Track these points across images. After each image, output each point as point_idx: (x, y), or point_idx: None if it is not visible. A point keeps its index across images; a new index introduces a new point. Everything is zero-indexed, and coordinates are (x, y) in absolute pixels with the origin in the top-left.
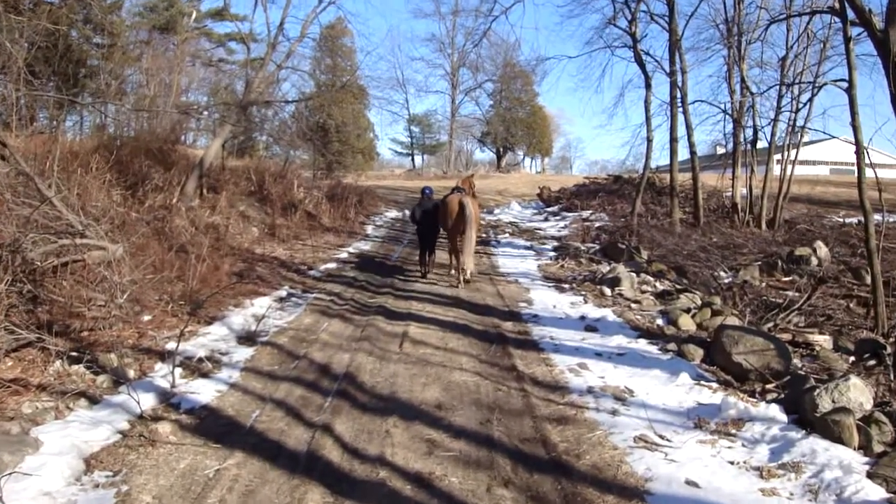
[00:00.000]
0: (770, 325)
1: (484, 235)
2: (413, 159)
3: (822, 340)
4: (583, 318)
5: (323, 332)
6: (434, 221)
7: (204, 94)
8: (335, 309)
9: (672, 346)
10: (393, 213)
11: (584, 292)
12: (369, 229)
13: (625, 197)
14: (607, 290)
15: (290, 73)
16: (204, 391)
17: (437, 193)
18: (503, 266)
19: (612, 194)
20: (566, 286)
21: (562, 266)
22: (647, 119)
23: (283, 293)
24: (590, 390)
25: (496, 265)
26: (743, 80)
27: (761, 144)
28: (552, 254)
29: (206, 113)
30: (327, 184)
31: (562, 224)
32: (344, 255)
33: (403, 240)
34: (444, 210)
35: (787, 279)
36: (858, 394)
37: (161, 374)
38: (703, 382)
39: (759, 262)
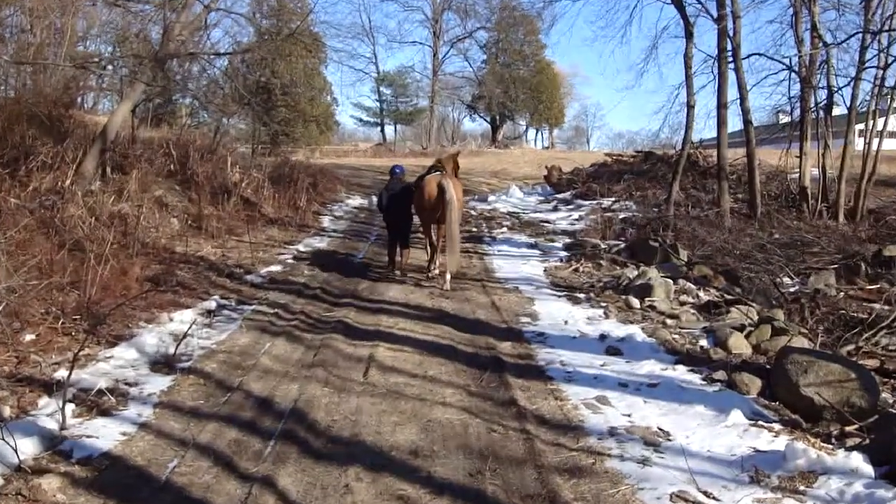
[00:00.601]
0: (850, 347)
1: (474, 230)
2: (383, 130)
3: None
4: (603, 337)
5: (264, 355)
6: (406, 208)
7: (108, 42)
8: (280, 325)
9: (720, 374)
10: (357, 201)
11: (604, 304)
12: (326, 221)
13: (658, 180)
14: (635, 302)
15: (221, 18)
16: (105, 434)
17: (413, 175)
18: (500, 269)
19: (642, 176)
20: (581, 296)
21: (576, 270)
22: (688, 78)
23: (211, 305)
24: (612, 432)
25: (490, 268)
26: (814, 28)
27: (838, 111)
28: (563, 254)
29: (110, 68)
30: (271, 162)
31: (576, 215)
32: (292, 255)
33: (370, 235)
34: (418, 194)
35: (873, 287)
36: None
37: (47, 411)
38: (760, 423)
39: (836, 266)
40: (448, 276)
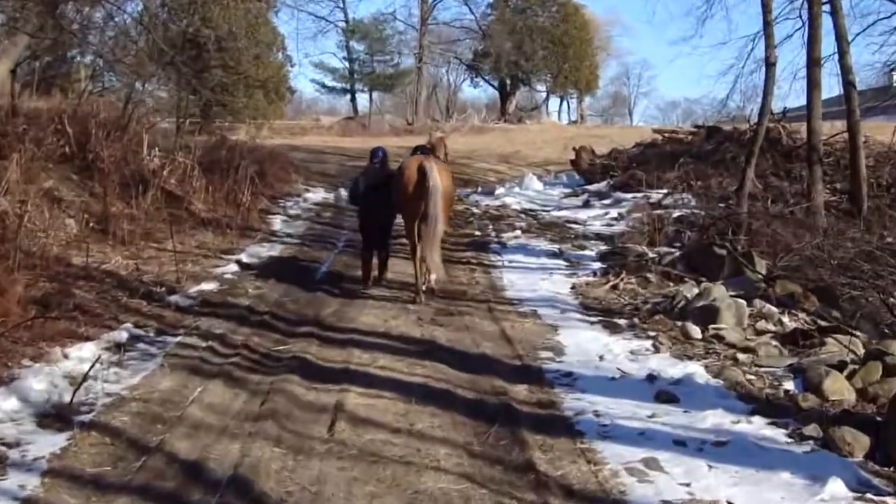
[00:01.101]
0: None
1: (477, 234)
2: (354, 100)
3: None
4: (652, 378)
5: (193, 403)
6: (386, 203)
7: None
8: (216, 363)
9: (812, 429)
10: (319, 195)
11: (653, 333)
12: (277, 223)
13: (725, 165)
14: (695, 330)
15: None
16: None
17: (398, 160)
18: (512, 287)
19: (704, 160)
20: (622, 322)
21: (614, 287)
22: (767, 26)
23: (122, 336)
24: None
25: (499, 285)
26: None
27: None
28: (597, 265)
29: None
30: (203, 143)
31: (614, 213)
32: (233, 268)
33: (337, 241)
34: (396, 181)
35: None
36: None
37: None
38: (870, 496)
39: None
40: (425, 285)
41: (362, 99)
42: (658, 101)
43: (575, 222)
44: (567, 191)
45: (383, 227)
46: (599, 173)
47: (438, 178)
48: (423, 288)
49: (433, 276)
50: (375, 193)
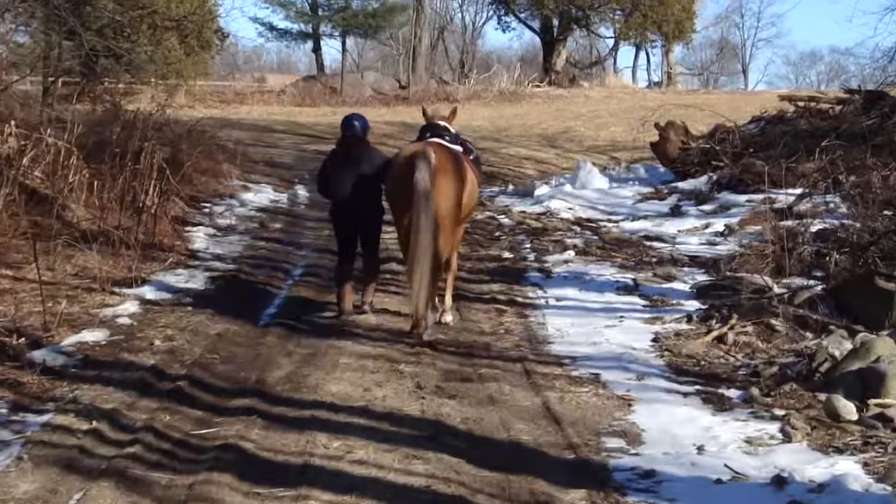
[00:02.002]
0: None
1: (507, 255)
2: (318, 50)
3: None
4: (781, 481)
5: None
6: (369, 195)
7: None
8: (104, 455)
9: None
10: (266, 196)
11: (781, 411)
12: (201, 239)
13: (894, 150)
14: (847, 407)
15: None
16: None
17: (386, 142)
18: (561, 337)
19: (860, 143)
20: (732, 394)
21: (719, 339)
22: None
23: None
24: None
25: (541, 335)
26: None
27: None
28: (691, 305)
29: None
30: (85, 115)
31: (719, 224)
32: (131, 308)
33: (293, 266)
34: (390, 172)
35: None
36: None
37: None
38: None
39: None
40: (445, 305)
41: (331, 49)
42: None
43: (658, 239)
44: (646, 191)
45: (364, 228)
46: (696, 164)
47: (438, 178)
48: (427, 324)
49: (448, 315)
50: (353, 185)
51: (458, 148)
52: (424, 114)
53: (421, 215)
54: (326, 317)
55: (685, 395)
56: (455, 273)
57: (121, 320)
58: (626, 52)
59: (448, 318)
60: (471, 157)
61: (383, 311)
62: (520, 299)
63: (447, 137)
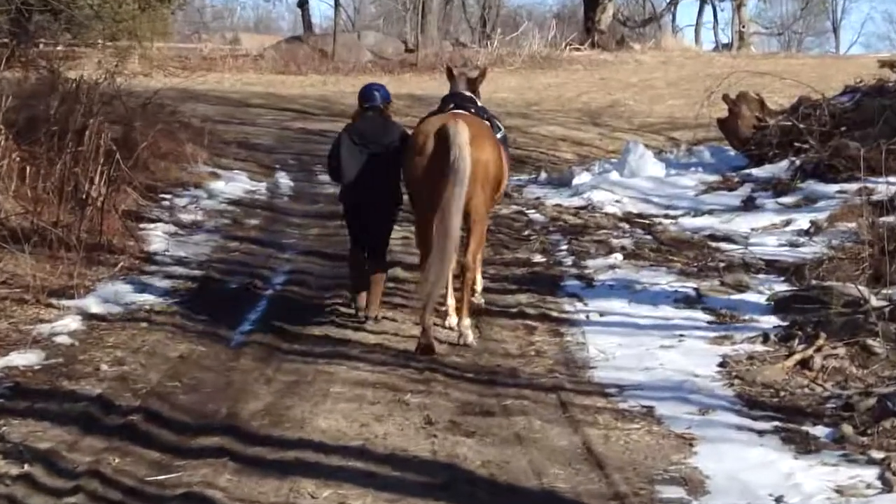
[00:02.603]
0: None
1: (539, 260)
2: (305, 4)
3: None
4: None
5: None
6: (385, 176)
7: None
8: None
9: None
10: (239, 185)
11: (879, 453)
12: (159, 238)
13: None
14: None
15: None
16: None
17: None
18: (605, 360)
19: None
20: (819, 432)
21: (803, 364)
22: None
23: None
24: None
25: (580, 358)
26: None
27: None
28: (768, 321)
29: None
30: (14, 84)
31: (803, 220)
32: (72, 325)
33: (273, 272)
34: (408, 152)
35: None
36: None
37: None
38: None
39: None
40: (464, 321)
41: (321, 3)
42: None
43: (727, 239)
44: (712, 179)
45: (379, 218)
46: (775, 146)
47: (469, 151)
48: (460, 318)
49: (467, 333)
50: (367, 162)
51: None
52: (450, 74)
53: (453, 198)
54: (314, 334)
55: (760, 433)
56: (477, 275)
57: (59, 339)
58: (687, 7)
59: (469, 337)
60: (498, 137)
61: (382, 331)
62: (554, 314)
63: (472, 111)
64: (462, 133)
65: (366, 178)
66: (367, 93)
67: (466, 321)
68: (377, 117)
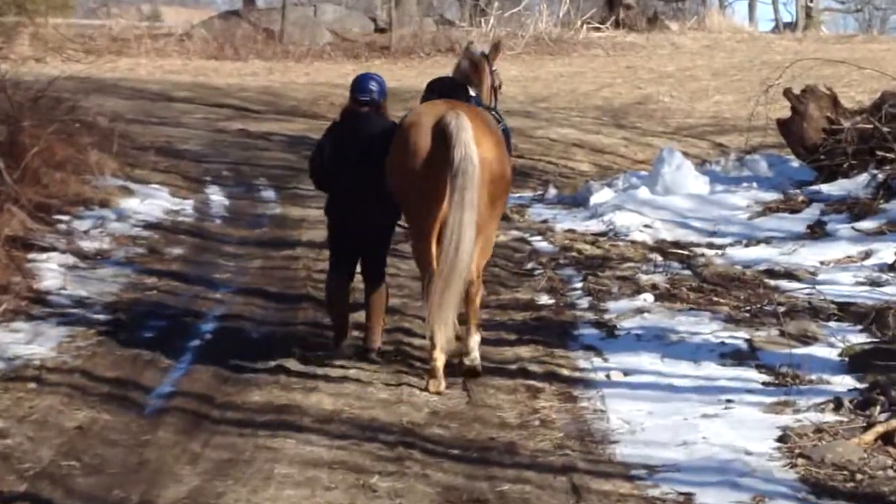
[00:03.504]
0: None
1: (547, 301)
2: None
3: None
4: None
5: None
6: (385, 186)
7: None
8: None
9: None
10: (158, 204)
11: None
12: (52, 272)
13: None
14: None
15: None
16: None
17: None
18: (632, 433)
19: None
20: None
21: (882, 436)
22: None
23: None
24: None
25: (598, 430)
26: None
27: None
28: (839, 384)
29: None
30: None
31: (886, 252)
32: None
33: (202, 317)
34: (396, 149)
35: None
36: None
37: None
38: None
39: None
40: (473, 337)
41: None
42: None
43: (789, 275)
44: (770, 197)
45: (375, 233)
46: (851, 155)
47: (475, 147)
48: (470, 347)
49: (474, 355)
50: (360, 167)
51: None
52: (467, 51)
53: (466, 204)
54: (254, 399)
55: None
56: (481, 295)
57: None
58: None
59: (477, 358)
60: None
61: (341, 393)
62: (565, 372)
63: (462, 92)
64: (465, 127)
65: (361, 188)
66: (361, 84)
67: (476, 337)
68: (374, 115)
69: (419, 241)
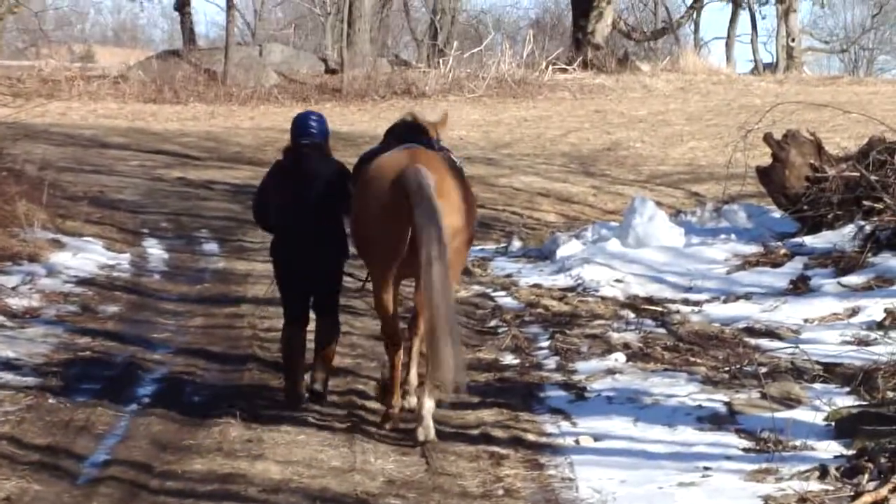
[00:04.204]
0: None
1: (511, 361)
2: (185, 5)
3: None
4: None
5: None
6: (330, 226)
7: None
8: None
9: None
10: (94, 258)
11: None
12: None
13: None
14: None
15: None
16: None
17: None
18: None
19: None
20: None
21: None
22: None
23: None
24: None
25: (566, 498)
26: None
27: None
28: (825, 450)
29: None
30: None
31: (874, 309)
32: None
33: (138, 380)
34: (360, 198)
35: None
36: None
37: None
38: None
39: None
40: (425, 409)
41: (208, 6)
42: None
43: (770, 334)
44: (750, 250)
45: (322, 277)
46: (836, 205)
47: (447, 202)
48: (422, 407)
49: (429, 409)
50: (303, 207)
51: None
52: (411, 121)
53: (431, 244)
54: (196, 469)
55: None
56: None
57: None
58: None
59: (431, 429)
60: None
61: (289, 460)
62: (530, 437)
63: (424, 141)
64: (427, 183)
65: (301, 228)
66: (302, 123)
67: (430, 403)
68: (314, 154)
69: (379, 291)
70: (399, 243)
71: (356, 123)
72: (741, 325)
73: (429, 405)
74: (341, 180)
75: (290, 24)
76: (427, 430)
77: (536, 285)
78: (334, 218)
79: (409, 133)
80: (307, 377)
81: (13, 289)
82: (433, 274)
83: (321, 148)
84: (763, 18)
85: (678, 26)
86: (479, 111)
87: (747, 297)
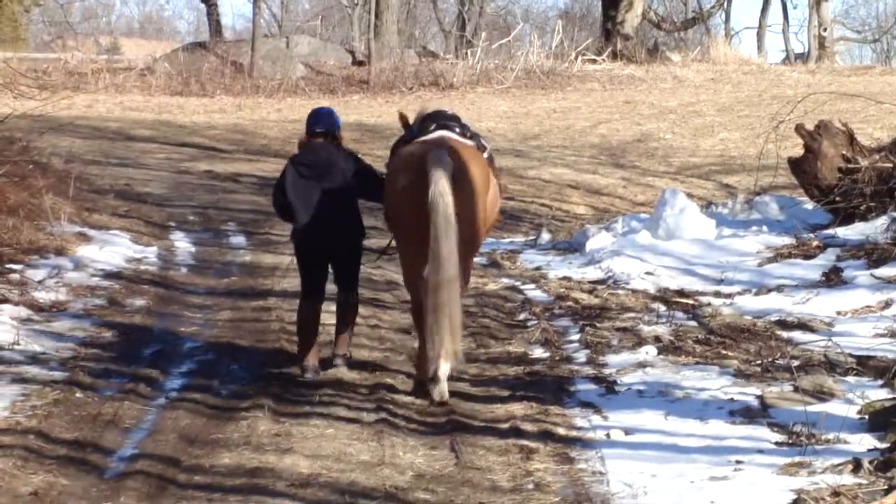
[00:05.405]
0: None
1: (540, 355)
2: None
3: None
4: None
5: None
6: (346, 212)
7: None
8: None
9: None
10: (119, 252)
11: None
12: (3, 325)
13: None
14: None
15: None
16: None
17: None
18: (633, 497)
19: None
20: None
21: None
22: None
23: None
24: None
25: (597, 492)
26: None
27: None
28: (858, 443)
29: None
30: None
31: None
32: None
33: (169, 373)
34: (389, 186)
35: None
36: None
37: None
38: None
39: None
40: (442, 372)
41: (232, 0)
42: None
43: (803, 326)
44: (782, 242)
45: (340, 258)
46: (870, 196)
47: (449, 190)
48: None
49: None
50: (320, 195)
51: (471, 143)
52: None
53: (439, 235)
54: (224, 462)
55: None
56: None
57: None
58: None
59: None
60: (484, 156)
61: (318, 454)
62: (561, 431)
63: (457, 130)
64: (445, 160)
65: (323, 214)
66: (316, 117)
67: (445, 367)
68: (328, 145)
69: (408, 265)
70: (423, 224)
71: (383, 115)
72: (773, 317)
73: (444, 369)
74: (358, 165)
75: (316, 15)
76: (442, 391)
77: (566, 278)
78: (352, 207)
79: (442, 121)
80: (313, 362)
81: (40, 282)
82: (438, 250)
83: (334, 136)
84: (794, 8)
85: (709, 16)
86: (508, 102)
87: (779, 289)
